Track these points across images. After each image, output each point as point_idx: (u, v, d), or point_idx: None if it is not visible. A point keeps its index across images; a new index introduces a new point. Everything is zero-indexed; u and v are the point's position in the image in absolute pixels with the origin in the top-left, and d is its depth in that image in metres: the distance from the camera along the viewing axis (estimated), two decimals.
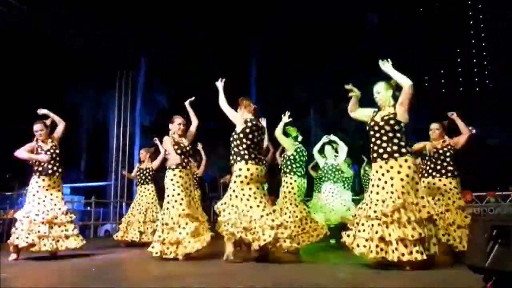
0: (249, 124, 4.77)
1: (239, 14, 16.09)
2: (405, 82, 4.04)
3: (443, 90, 19.97)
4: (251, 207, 4.58)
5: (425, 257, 3.68)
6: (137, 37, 14.66)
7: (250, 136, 4.74)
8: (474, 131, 18.68)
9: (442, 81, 20.23)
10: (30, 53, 13.79)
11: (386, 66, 4.14)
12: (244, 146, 4.71)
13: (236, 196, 4.67)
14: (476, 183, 12.53)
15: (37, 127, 5.67)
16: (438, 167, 5.18)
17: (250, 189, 4.66)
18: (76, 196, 13.76)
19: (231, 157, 4.85)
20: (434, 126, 5.34)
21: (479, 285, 2.45)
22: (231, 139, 4.84)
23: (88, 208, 12.35)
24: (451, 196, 5.08)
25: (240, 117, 4.83)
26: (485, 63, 19.44)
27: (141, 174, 7.79)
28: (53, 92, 15.32)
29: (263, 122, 5.69)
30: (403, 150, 4.00)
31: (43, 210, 5.42)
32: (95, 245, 7.61)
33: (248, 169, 4.66)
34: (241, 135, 4.74)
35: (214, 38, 16.35)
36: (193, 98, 5.60)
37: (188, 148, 5.45)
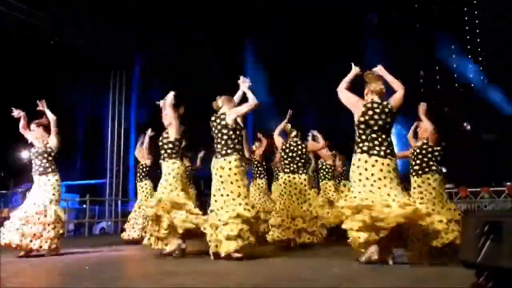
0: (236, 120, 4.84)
1: (238, 13, 16.04)
2: (399, 86, 4.19)
3: (438, 87, 20.01)
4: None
5: None
6: (134, 36, 14.63)
7: (238, 132, 4.81)
8: (468, 127, 18.80)
9: (437, 77, 20.26)
10: (27, 52, 13.74)
11: (381, 69, 4.26)
12: (230, 139, 4.73)
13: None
14: (470, 179, 12.60)
15: (32, 127, 5.72)
16: (424, 164, 5.25)
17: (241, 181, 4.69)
18: (71, 194, 13.73)
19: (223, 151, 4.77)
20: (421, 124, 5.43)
21: (471, 281, 2.46)
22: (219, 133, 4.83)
23: (84, 206, 12.32)
24: (424, 191, 5.15)
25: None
26: (480, 58, 19.48)
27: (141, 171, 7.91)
28: (49, 91, 15.26)
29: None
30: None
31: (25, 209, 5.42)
32: (91, 243, 7.61)
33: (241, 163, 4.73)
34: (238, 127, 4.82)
35: (212, 37, 16.31)
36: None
37: None
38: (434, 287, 3.16)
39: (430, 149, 5.26)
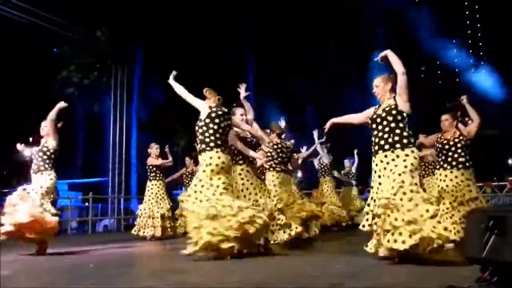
0: (214, 109, 4.69)
1: (237, 10, 16.02)
2: (398, 70, 3.95)
3: (440, 82, 19.96)
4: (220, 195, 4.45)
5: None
6: (134, 31, 14.61)
7: (217, 120, 4.64)
8: (470, 122, 18.76)
9: (439, 72, 20.21)
10: (28, 50, 13.74)
11: (386, 52, 4.06)
12: (211, 131, 4.60)
13: (202, 186, 4.51)
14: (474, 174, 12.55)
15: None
16: (449, 159, 5.13)
17: (219, 179, 4.52)
18: (74, 193, 13.75)
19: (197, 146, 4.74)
20: (444, 117, 5.28)
21: (475, 276, 2.46)
22: (196, 127, 4.72)
23: (86, 204, 12.34)
24: (462, 188, 5.04)
25: (204, 104, 4.75)
26: (481, 53, 19.42)
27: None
28: (50, 88, 15.30)
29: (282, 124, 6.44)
30: (405, 141, 3.90)
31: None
32: (94, 241, 7.63)
33: (219, 158, 4.54)
34: (207, 120, 4.64)
35: (212, 33, 16.29)
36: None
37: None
38: (439, 283, 3.16)
39: (463, 142, 5.14)
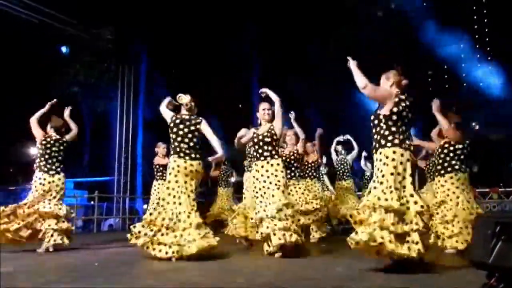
0: (173, 118, 4.95)
1: (241, 7, 16.02)
2: (358, 84, 3.95)
3: (447, 86, 19.86)
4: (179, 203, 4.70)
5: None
6: (140, 31, 14.66)
7: (175, 130, 4.89)
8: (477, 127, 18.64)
9: (446, 76, 20.11)
10: (34, 48, 13.82)
11: (351, 63, 4.08)
12: (171, 140, 4.90)
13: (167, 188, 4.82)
14: (479, 180, 12.48)
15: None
16: (446, 164, 5.19)
17: (176, 182, 4.74)
18: (80, 191, 13.81)
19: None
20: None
21: (481, 282, 2.44)
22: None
23: (92, 202, 12.38)
24: (446, 190, 5.12)
25: (169, 113, 5.03)
26: (489, 58, 19.30)
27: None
28: (56, 87, 15.37)
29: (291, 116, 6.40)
30: (386, 141, 3.81)
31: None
32: (99, 240, 7.66)
33: (175, 161, 4.80)
34: (169, 130, 4.93)
35: (215, 33, 16.31)
36: None
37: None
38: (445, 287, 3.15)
39: (451, 148, 5.19)
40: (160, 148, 7.82)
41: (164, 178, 7.74)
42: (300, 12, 16.33)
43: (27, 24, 11.16)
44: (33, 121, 5.88)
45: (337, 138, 9.06)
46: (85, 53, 14.63)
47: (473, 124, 18.99)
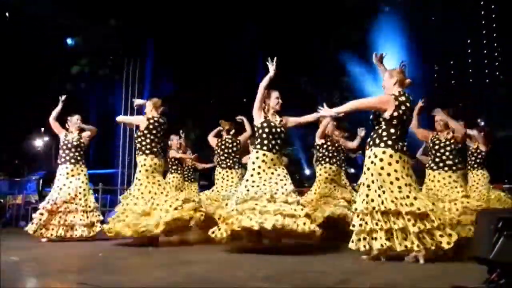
0: (151, 121, 5.41)
1: (245, 2, 15.98)
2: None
3: (453, 82, 19.78)
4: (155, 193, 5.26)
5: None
6: (145, 25, 14.66)
7: (154, 131, 5.40)
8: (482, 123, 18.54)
9: (452, 72, 20.02)
10: (40, 42, 13.85)
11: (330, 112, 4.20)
12: (148, 140, 5.36)
13: (141, 185, 5.31)
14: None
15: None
16: (437, 159, 5.19)
17: (154, 177, 5.31)
18: None
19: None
20: (438, 117, 5.29)
21: (483, 277, 2.45)
22: (135, 135, 5.56)
23: (96, 195, 12.43)
24: (447, 190, 5.09)
25: (143, 117, 5.49)
26: (496, 54, 19.18)
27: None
28: (62, 81, 15.42)
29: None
30: (380, 141, 3.89)
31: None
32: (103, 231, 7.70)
33: (152, 159, 5.35)
34: (145, 131, 5.37)
35: (222, 26, 16.27)
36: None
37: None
38: (446, 283, 3.15)
39: (453, 146, 5.18)
40: (174, 141, 7.75)
41: (179, 171, 7.74)
42: (300, 12, 16.28)
43: (32, 16, 11.19)
44: (52, 121, 6.21)
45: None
46: (91, 47, 14.65)
47: (479, 121, 18.92)
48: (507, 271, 2.38)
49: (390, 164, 3.83)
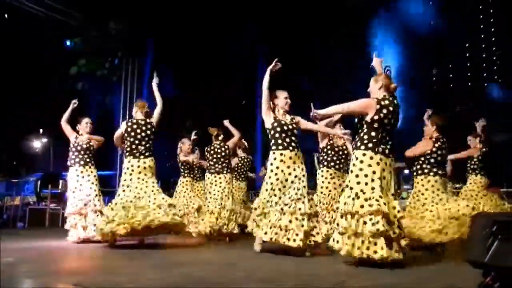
0: (129, 123, 5.50)
1: (247, 3, 15.99)
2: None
3: (451, 85, 19.80)
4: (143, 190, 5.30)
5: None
6: (146, 25, 14.66)
7: (132, 134, 5.43)
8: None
9: (450, 75, 20.04)
10: (39, 40, 13.85)
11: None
12: (128, 143, 5.41)
13: (123, 185, 5.42)
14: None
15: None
16: (418, 166, 5.31)
17: (138, 178, 5.34)
18: None
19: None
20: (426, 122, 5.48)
21: (477, 280, 2.46)
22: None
23: None
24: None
25: (123, 123, 5.63)
26: (495, 58, 19.21)
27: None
28: (62, 82, 15.41)
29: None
30: (361, 144, 3.96)
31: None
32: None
33: (129, 161, 5.41)
34: (125, 134, 5.45)
35: (222, 26, 16.28)
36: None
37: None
38: (441, 286, 3.16)
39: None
40: (185, 144, 7.66)
41: (191, 175, 7.72)
42: (300, 12, 16.29)
43: (32, 17, 11.18)
44: (64, 124, 6.29)
45: None
46: (90, 46, 14.64)
47: (477, 123, 18.90)
48: (501, 274, 2.39)
49: (370, 165, 3.88)
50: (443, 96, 18.86)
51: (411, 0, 17.63)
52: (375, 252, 3.62)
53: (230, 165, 6.96)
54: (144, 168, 5.39)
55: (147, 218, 4.97)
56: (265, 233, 4.49)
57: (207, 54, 16.22)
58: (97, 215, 5.89)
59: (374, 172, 3.86)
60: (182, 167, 7.66)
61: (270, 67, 4.76)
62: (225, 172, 6.66)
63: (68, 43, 14.43)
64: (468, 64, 19.30)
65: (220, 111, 12.47)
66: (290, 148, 4.70)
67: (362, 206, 3.76)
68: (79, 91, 15.99)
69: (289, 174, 4.64)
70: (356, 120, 4.19)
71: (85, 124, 6.30)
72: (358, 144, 3.99)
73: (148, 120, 5.58)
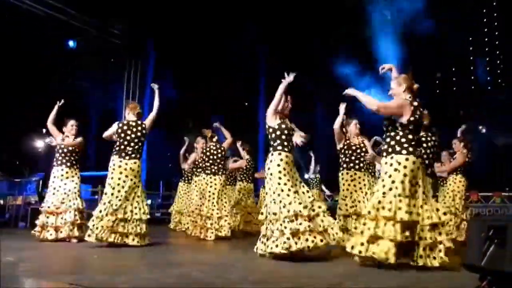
0: (120, 125, 5.49)
1: (247, 3, 16.00)
2: (370, 108, 3.97)
3: (454, 88, 19.74)
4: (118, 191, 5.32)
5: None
6: (148, 27, 14.70)
7: (122, 135, 5.43)
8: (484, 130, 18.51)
9: (454, 79, 19.97)
10: (40, 42, 13.89)
11: (351, 92, 4.18)
12: (118, 143, 5.43)
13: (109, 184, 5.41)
14: (483, 183, 12.40)
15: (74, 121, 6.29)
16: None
17: (119, 178, 5.33)
18: (84, 185, 13.89)
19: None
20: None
21: (473, 284, 2.45)
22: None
23: (96, 197, 12.46)
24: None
25: (115, 124, 5.57)
26: (498, 62, 19.15)
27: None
28: (63, 81, 15.44)
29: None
30: (392, 149, 3.89)
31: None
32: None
33: (120, 161, 5.41)
34: (115, 136, 5.47)
35: (222, 26, 16.30)
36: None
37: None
38: None
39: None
40: (200, 144, 7.59)
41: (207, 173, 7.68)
42: (300, 12, 16.29)
43: (32, 16, 11.20)
44: (49, 125, 6.31)
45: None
46: (92, 47, 14.68)
47: (480, 128, 18.87)
48: (497, 278, 2.38)
49: (412, 170, 3.82)
50: (445, 98, 18.83)
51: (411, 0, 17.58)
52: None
53: (225, 166, 7.01)
54: (125, 169, 5.37)
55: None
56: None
57: (207, 54, 16.22)
58: (75, 215, 5.91)
59: (414, 177, 3.83)
60: (194, 168, 7.67)
61: (288, 80, 4.69)
62: (220, 173, 6.71)
63: (71, 43, 14.45)
64: (472, 68, 19.24)
65: (220, 111, 12.51)
66: (292, 152, 4.69)
67: (410, 213, 3.71)
68: (80, 91, 16.06)
69: (292, 177, 4.56)
70: (385, 122, 4.05)
71: (70, 126, 6.26)
72: (397, 148, 3.87)
73: (139, 122, 5.58)
